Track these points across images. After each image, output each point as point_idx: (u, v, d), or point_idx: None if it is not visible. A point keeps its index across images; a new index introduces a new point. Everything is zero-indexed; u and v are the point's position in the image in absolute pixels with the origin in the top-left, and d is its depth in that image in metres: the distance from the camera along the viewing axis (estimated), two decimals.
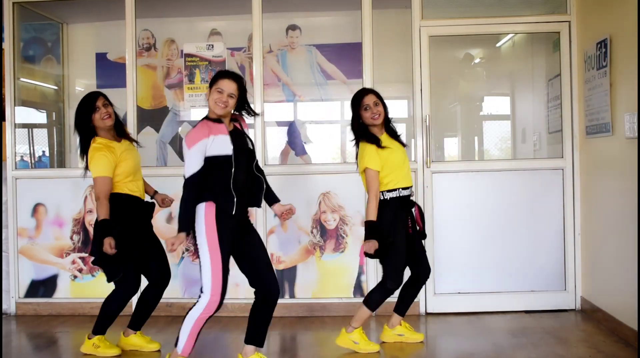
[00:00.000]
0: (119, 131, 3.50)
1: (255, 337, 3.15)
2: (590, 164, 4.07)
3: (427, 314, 4.24)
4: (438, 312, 4.24)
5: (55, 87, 5.33)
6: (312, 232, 4.31)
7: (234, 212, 2.95)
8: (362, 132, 3.43)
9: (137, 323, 3.60)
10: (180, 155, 5.15)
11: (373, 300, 3.45)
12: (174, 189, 4.33)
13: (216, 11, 5.13)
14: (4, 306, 4.45)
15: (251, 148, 3.12)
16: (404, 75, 4.47)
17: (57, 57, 5.24)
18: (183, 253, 4.36)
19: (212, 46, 4.49)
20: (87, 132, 3.39)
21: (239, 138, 3.05)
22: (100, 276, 4.42)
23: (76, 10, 5.07)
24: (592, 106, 3.92)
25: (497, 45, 5.15)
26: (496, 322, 4.02)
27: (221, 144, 2.93)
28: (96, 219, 3.39)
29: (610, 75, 3.64)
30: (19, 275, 4.47)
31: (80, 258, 4.43)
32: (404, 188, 3.41)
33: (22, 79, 4.79)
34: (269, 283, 3.09)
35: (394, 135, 3.49)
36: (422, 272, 3.56)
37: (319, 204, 4.29)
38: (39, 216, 4.47)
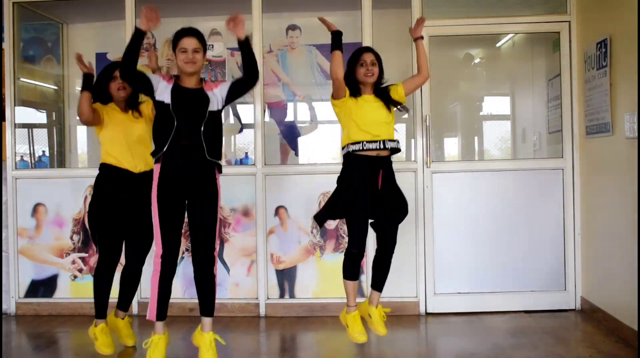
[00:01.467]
0: (132, 103, 3.49)
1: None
2: (590, 164, 4.07)
3: (427, 314, 4.24)
4: (438, 312, 4.24)
5: (55, 87, 5.32)
6: (312, 232, 4.31)
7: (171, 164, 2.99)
8: (350, 85, 3.34)
9: (122, 303, 3.62)
10: None
11: (344, 269, 3.35)
12: None
13: (216, 11, 5.12)
14: (4, 306, 4.45)
15: (204, 106, 3.04)
16: (404, 75, 4.46)
17: (57, 57, 5.23)
18: (183, 252, 4.35)
19: (212, 46, 4.49)
20: (102, 99, 3.45)
21: (190, 94, 3.05)
22: None
23: (76, 10, 5.07)
24: (592, 106, 3.92)
25: (497, 45, 5.15)
26: (496, 322, 4.02)
27: (164, 91, 3.02)
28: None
29: (610, 75, 3.64)
30: (19, 275, 4.47)
31: (80, 258, 4.43)
32: (369, 141, 3.26)
33: (22, 79, 4.79)
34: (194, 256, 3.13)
35: (382, 96, 3.38)
36: (386, 244, 3.37)
37: (319, 204, 4.28)
38: (39, 216, 4.47)
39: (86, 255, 4.42)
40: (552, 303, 4.23)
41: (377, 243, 3.41)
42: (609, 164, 3.75)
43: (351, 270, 3.34)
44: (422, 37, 3.44)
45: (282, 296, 4.33)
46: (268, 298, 4.32)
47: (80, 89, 3.37)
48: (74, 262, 4.44)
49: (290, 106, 5.12)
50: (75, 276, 4.45)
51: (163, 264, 3.05)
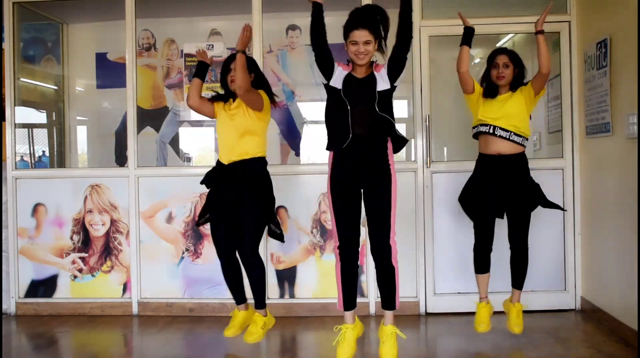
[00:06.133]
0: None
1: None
2: (590, 164, 4.07)
3: (427, 314, 4.24)
4: (438, 312, 4.24)
5: (55, 87, 5.33)
6: (312, 232, 4.31)
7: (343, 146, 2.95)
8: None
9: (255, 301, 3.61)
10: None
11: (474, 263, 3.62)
12: (175, 190, 4.35)
13: (216, 11, 5.13)
14: (4, 306, 4.45)
15: (370, 93, 2.96)
16: (404, 75, 4.44)
17: (57, 57, 5.24)
18: (183, 253, 4.36)
19: (212, 45, 4.49)
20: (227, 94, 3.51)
21: (360, 83, 2.99)
22: (100, 276, 4.42)
23: (76, 10, 5.07)
24: (592, 106, 3.92)
25: (497, 45, 5.15)
26: (496, 322, 4.01)
27: (338, 77, 3.01)
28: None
29: (610, 75, 3.64)
30: (19, 275, 4.47)
31: (80, 258, 4.43)
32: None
33: (22, 79, 4.79)
34: None
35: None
36: (513, 248, 3.62)
37: (318, 204, 4.29)
38: (39, 216, 4.47)
39: (86, 255, 4.42)
40: (552, 303, 4.23)
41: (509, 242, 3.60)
42: (609, 164, 3.75)
43: (476, 263, 3.62)
44: (542, 32, 3.42)
45: (282, 296, 4.33)
46: (268, 298, 4.31)
47: (193, 76, 3.45)
48: (74, 262, 4.44)
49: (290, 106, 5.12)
50: (75, 276, 4.44)
51: (342, 255, 3.02)
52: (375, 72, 3.02)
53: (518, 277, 3.64)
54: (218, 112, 3.46)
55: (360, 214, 3.05)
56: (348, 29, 2.99)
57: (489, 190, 3.48)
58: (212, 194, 3.45)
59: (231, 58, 3.45)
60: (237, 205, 3.34)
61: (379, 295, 4.21)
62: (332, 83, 3.01)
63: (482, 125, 3.49)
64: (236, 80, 3.24)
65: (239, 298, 3.53)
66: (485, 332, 3.54)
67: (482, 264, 3.60)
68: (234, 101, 3.44)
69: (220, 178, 3.41)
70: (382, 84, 3.00)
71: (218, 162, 3.45)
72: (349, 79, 3.00)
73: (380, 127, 2.95)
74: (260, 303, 3.47)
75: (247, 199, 3.33)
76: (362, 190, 3.02)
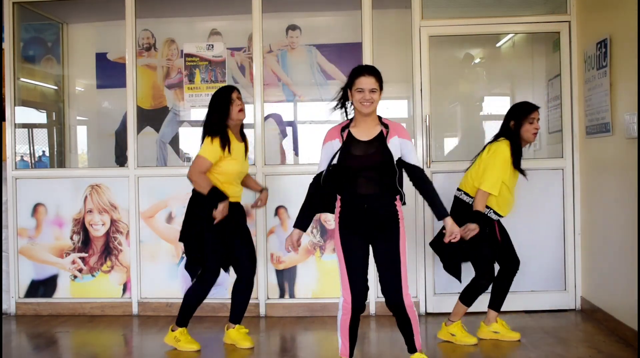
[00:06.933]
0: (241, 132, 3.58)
1: None
2: (590, 164, 4.07)
3: (427, 314, 4.24)
4: (438, 312, 4.23)
5: (55, 87, 5.33)
6: (312, 232, 4.31)
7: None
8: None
9: (234, 316, 3.60)
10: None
11: (468, 296, 3.58)
12: (175, 190, 4.35)
13: (216, 11, 5.13)
14: (4, 306, 4.45)
15: (379, 159, 2.82)
16: (404, 75, 4.47)
17: (57, 57, 5.24)
18: (183, 253, 4.35)
19: (212, 46, 4.49)
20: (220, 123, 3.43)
21: (365, 146, 2.84)
22: (100, 276, 4.42)
23: (76, 10, 5.07)
24: (592, 106, 3.92)
25: (497, 45, 5.15)
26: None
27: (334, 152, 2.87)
28: (190, 201, 3.47)
29: (610, 75, 3.64)
30: (19, 275, 4.47)
31: (80, 258, 4.43)
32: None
33: (22, 79, 4.79)
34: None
35: None
36: (513, 265, 3.61)
37: None
38: (39, 216, 4.47)
39: (86, 255, 4.42)
40: (552, 303, 4.23)
41: (500, 265, 3.64)
42: (609, 164, 3.75)
43: (474, 299, 3.59)
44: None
45: (282, 296, 4.33)
46: (268, 298, 4.32)
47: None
48: (73, 262, 4.44)
49: (290, 105, 5.12)
50: (75, 276, 4.44)
51: (354, 310, 2.93)
52: (386, 138, 2.85)
53: (502, 297, 3.64)
54: (229, 156, 3.40)
55: (368, 266, 3.00)
56: (353, 76, 2.84)
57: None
58: (218, 225, 3.42)
59: (229, 89, 3.45)
60: (237, 232, 3.51)
61: (378, 296, 4.24)
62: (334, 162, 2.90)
63: (496, 213, 3.51)
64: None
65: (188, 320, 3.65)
66: (476, 342, 3.56)
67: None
68: (235, 139, 3.49)
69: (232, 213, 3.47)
70: (394, 153, 2.85)
71: (223, 194, 3.42)
72: (348, 144, 2.85)
73: (388, 190, 2.88)
74: (241, 318, 3.62)
75: (244, 226, 3.60)
76: (370, 245, 2.95)
